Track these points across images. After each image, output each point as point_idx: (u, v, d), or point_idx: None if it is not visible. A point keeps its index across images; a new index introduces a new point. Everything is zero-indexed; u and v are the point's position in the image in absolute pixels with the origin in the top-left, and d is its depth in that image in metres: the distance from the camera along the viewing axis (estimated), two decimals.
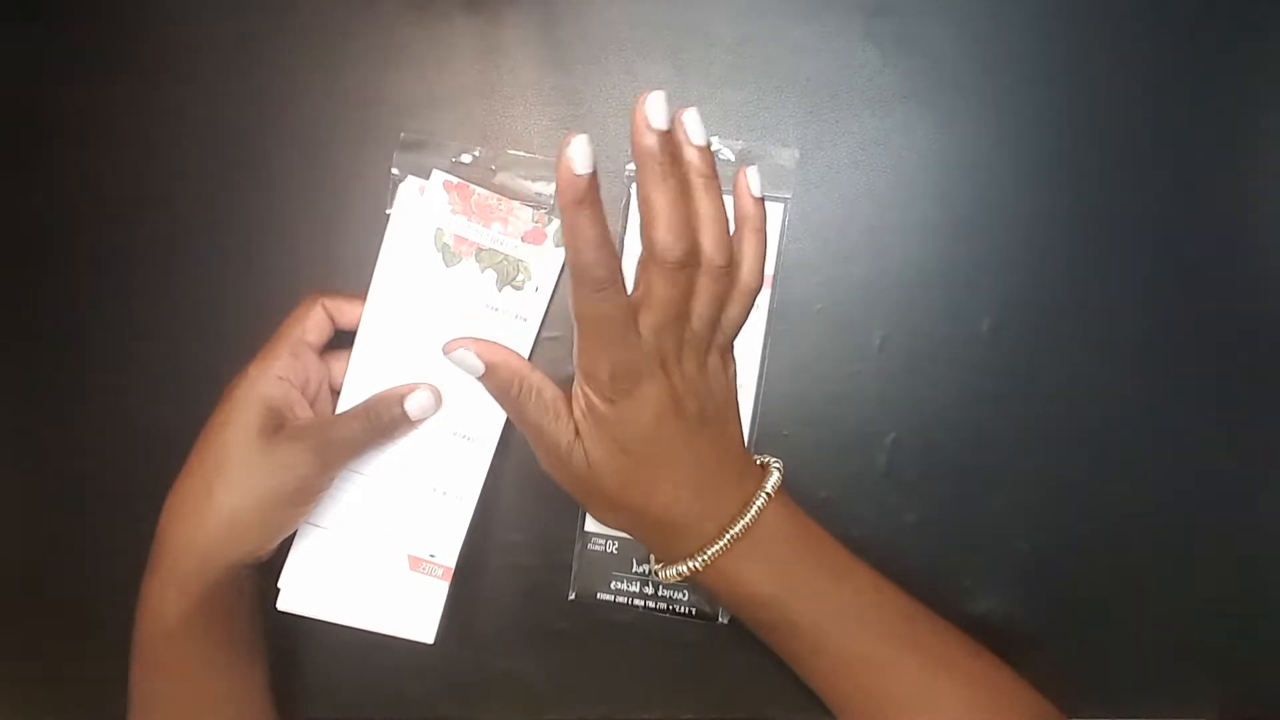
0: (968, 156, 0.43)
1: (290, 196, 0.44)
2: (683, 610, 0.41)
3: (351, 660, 0.43)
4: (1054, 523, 0.43)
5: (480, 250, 0.40)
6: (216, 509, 0.35)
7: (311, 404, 0.39)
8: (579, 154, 0.27)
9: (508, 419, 0.40)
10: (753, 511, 0.34)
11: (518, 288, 0.41)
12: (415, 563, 0.40)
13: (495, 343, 0.33)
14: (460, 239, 0.40)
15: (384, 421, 0.38)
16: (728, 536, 0.34)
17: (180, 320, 0.44)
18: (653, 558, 0.37)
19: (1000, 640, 0.38)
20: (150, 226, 0.44)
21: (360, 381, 0.40)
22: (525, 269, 0.41)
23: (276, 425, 0.36)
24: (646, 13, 0.43)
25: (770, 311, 0.42)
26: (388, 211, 0.41)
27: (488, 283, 0.40)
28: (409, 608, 0.40)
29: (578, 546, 0.39)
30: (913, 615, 0.36)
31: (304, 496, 0.36)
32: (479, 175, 0.41)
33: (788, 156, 0.42)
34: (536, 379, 0.33)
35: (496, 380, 0.33)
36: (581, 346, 0.32)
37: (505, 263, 0.40)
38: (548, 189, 0.41)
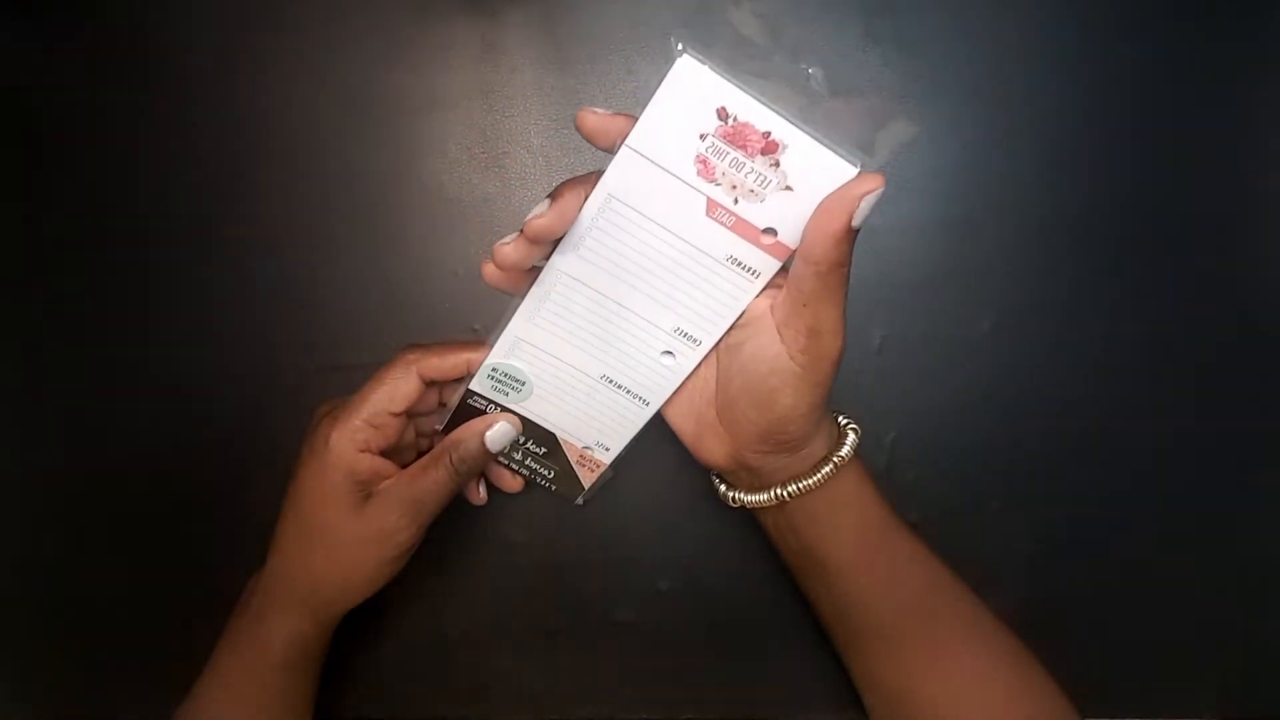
0: (967, 156, 0.43)
1: (289, 198, 0.44)
2: (543, 483, 0.40)
3: (351, 660, 0.44)
4: (1054, 523, 0.43)
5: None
6: (330, 569, 0.37)
7: (402, 455, 0.38)
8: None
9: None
10: (826, 470, 0.34)
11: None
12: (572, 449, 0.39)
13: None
14: (705, 161, 0.31)
15: (467, 464, 0.37)
16: (795, 486, 0.34)
17: (174, 324, 0.44)
18: (718, 480, 0.37)
19: None
20: (147, 228, 0.44)
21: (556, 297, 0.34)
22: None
23: (366, 496, 0.36)
24: (646, 13, 0.43)
25: None
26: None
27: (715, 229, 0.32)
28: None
29: (459, 394, 0.37)
30: (937, 587, 0.36)
31: (405, 552, 0.37)
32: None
33: None
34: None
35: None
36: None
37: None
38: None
